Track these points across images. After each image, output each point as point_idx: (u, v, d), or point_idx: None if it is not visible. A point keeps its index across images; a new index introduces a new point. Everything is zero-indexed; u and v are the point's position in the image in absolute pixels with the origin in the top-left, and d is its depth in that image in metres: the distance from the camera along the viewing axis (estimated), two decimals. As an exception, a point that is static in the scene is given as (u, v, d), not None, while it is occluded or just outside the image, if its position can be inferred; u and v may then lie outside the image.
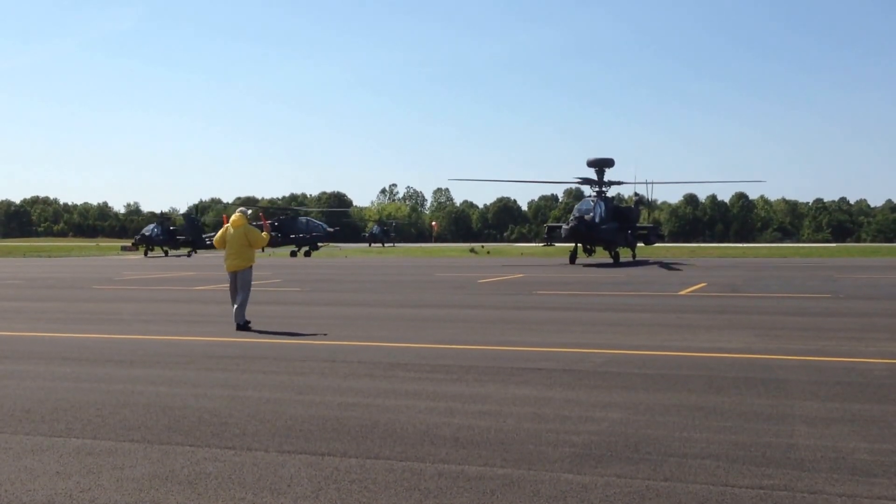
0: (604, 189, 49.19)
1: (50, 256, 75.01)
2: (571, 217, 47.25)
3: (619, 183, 50.55)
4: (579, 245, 47.91)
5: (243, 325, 15.15)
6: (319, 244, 74.70)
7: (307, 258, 66.01)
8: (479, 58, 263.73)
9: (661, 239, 58.28)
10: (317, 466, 6.31)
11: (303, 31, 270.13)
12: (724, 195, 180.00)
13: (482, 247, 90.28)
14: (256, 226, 16.05)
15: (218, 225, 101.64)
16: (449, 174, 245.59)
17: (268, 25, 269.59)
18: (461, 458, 6.50)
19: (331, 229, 76.64)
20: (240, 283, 15.60)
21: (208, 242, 69.49)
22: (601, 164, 49.14)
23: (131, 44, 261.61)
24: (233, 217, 15.96)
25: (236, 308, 15.32)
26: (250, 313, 15.89)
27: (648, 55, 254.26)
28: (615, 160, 49.66)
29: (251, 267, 15.99)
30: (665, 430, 7.27)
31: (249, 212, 16.31)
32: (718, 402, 8.43)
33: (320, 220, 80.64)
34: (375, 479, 5.99)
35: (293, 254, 71.26)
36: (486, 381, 9.65)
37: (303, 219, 74.37)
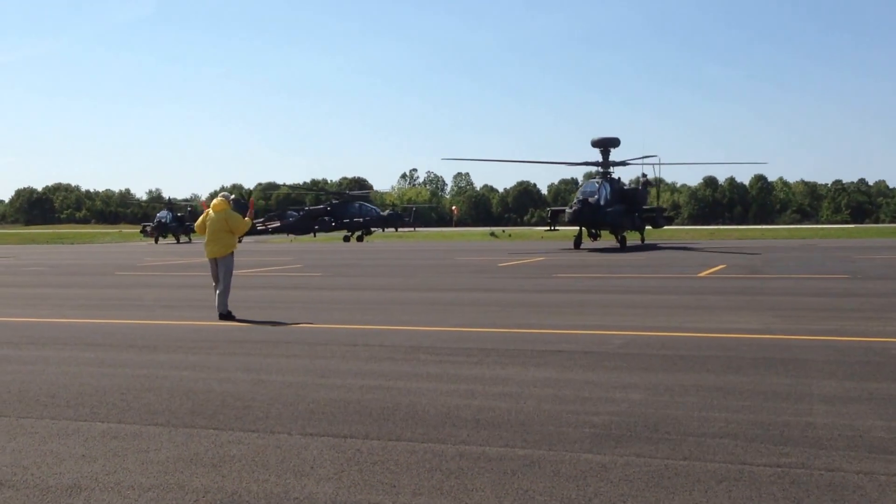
0: (609, 170, 46.51)
1: (73, 243, 75.54)
2: (575, 200, 44.46)
3: (622, 163, 47.40)
4: (584, 229, 45.18)
5: (226, 315, 14.58)
6: (373, 229, 73.58)
7: (360, 243, 65.76)
8: (496, 46, 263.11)
9: (669, 222, 55.80)
10: (339, 448, 6.38)
11: (322, 25, 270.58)
12: (741, 177, 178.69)
13: (503, 230, 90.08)
14: (241, 209, 15.69)
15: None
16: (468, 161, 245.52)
17: (288, 19, 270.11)
18: (482, 439, 6.56)
19: (384, 213, 75.33)
20: (221, 271, 15.00)
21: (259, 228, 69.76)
22: (606, 144, 46.68)
23: (152, 32, 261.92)
24: (214, 201, 15.50)
25: (218, 296, 14.87)
26: (267, 298, 15.91)
27: (663, 39, 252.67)
28: (621, 140, 47.05)
29: (232, 254, 15.26)
30: (684, 410, 7.31)
31: (232, 197, 15.79)
32: (737, 381, 8.46)
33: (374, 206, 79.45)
34: (397, 461, 6.06)
35: (346, 238, 70.28)
36: (507, 364, 9.71)
37: (355, 203, 72.85)
